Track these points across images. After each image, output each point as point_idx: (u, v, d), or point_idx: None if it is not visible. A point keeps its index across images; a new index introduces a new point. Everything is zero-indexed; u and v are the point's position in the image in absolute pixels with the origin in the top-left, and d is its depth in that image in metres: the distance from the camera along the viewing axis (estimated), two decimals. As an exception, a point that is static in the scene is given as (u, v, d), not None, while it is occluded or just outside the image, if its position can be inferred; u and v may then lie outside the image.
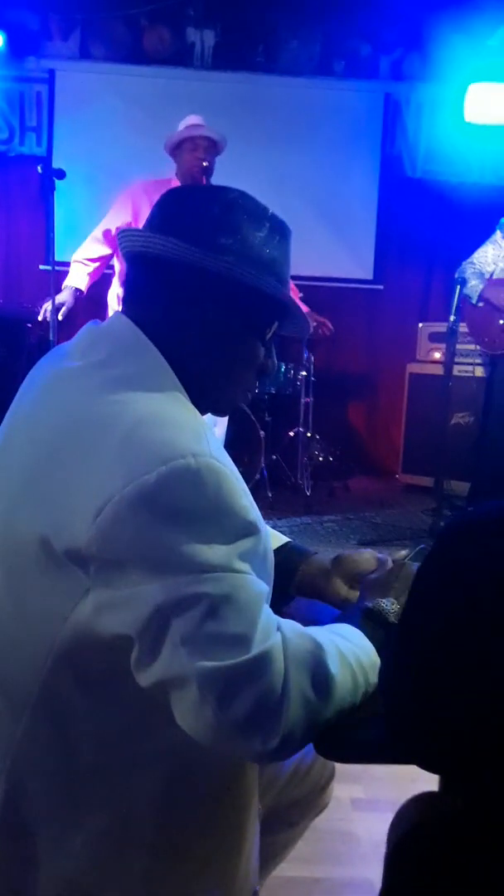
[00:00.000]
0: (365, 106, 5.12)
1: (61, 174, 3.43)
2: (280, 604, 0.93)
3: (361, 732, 0.90)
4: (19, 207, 5.16)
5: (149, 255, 0.98)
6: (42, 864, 0.91)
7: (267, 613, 0.86)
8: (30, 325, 4.12)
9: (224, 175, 3.56)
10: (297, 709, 0.84)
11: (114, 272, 3.64)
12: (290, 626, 0.90)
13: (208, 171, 3.41)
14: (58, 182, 3.42)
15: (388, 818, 0.95)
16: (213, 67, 5.05)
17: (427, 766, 0.75)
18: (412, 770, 0.89)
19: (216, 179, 3.49)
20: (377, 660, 0.94)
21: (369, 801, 1.99)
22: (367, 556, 1.16)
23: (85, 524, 0.82)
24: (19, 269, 5.17)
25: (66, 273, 3.68)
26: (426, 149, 5.16)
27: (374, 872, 1.77)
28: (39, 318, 3.66)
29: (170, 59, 5.01)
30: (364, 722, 0.90)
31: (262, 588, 0.87)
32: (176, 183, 3.52)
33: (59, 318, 3.54)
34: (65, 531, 0.84)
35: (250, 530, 0.88)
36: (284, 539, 1.24)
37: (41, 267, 4.85)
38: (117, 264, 3.58)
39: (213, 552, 0.83)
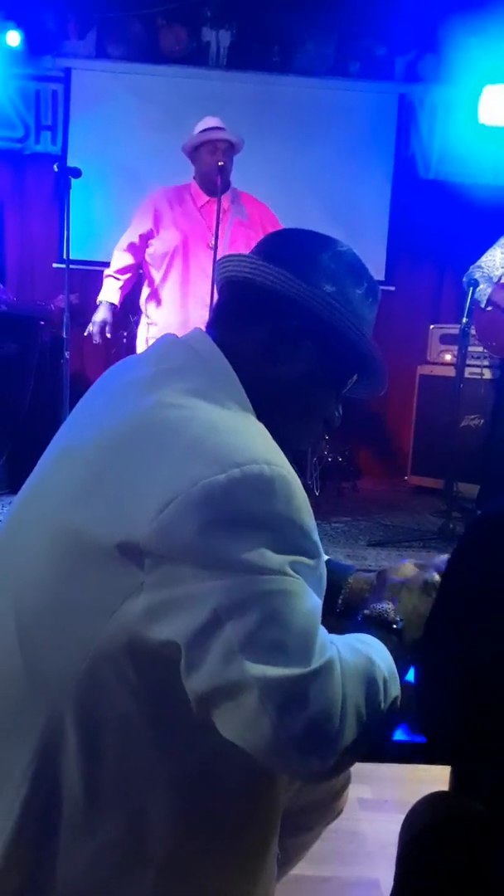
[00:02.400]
0: (379, 107, 5.11)
1: (77, 173, 3.45)
2: (328, 620, 0.92)
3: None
4: (34, 205, 5.18)
5: (254, 283, 0.98)
6: (54, 870, 0.89)
7: (322, 628, 0.85)
8: (43, 322, 4.14)
9: (238, 174, 3.58)
10: (352, 726, 0.81)
11: (145, 276, 3.71)
12: (341, 640, 0.89)
13: (225, 172, 3.43)
14: (73, 180, 3.44)
15: (395, 818, 0.96)
16: (229, 67, 5.05)
17: (452, 761, 0.74)
18: (419, 770, 0.90)
19: (232, 177, 3.51)
20: (395, 668, 0.93)
21: (376, 801, 1.99)
22: (410, 566, 1.14)
23: (147, 519, 0.81)
24: (33, 267, 5.19)
25: (79, 272, 3.72)
26: (440, 150, 5.15)
27: (381, 872, 1.79)
28: (85, 332, 3.69)
29: (185, 59, 5.02)
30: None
31: (317, 601, 0.86)
32: (195, 188, 3.58)
33: (108, 335, 3.64)
34: (123, 524, 0.83)
35: (312, 551, 0.87)
36: (325, 556, 1.25)
37: (55, 265, 4.87)
38: (145, 271, 3.66)
39: (274, 558, 0.81)
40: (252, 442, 0.86)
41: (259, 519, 0.82)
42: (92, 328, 3.63)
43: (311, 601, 0.84)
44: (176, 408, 0.89)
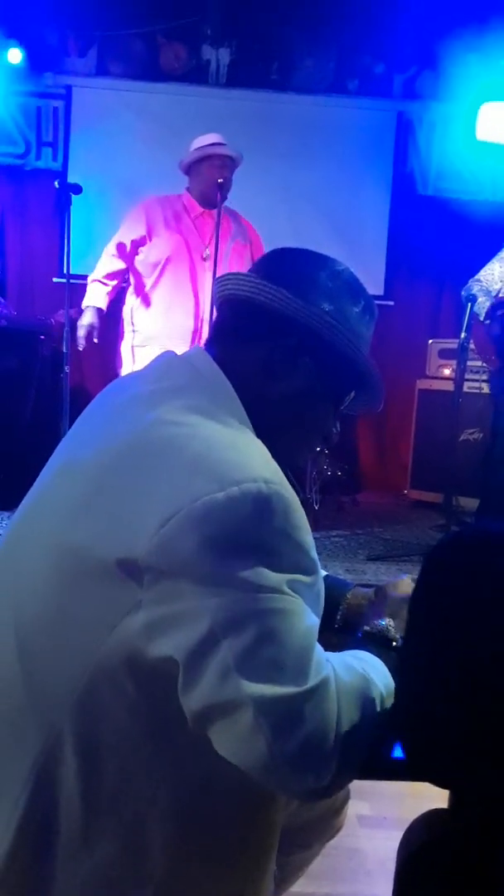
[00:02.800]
0: (378, 124, 5.16)
1: (78, 189, 3.47)
2: (326, 636, 0.92)
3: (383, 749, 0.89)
4: (34, 220, 5.22)
5: (254, 301, 1.00)
6: (51, 886, 0.88)
7: (318, 646, 0.85)
8: (43, 336, 4.16)
9: (238, 191, 3.60)
10: (348, 745, 0.82)
11: (129, 285, 3.65)
12: (337, 658, 0.89)
13: (226, 188, 3.44)
14: (73, 196, 3.46)
15: (394, 835, 0.95)
16: (228, 85, 5.10)
17: (442, 783, 0.75)
18: (418, 787, 0.89)
19: (231, 194, 3.53)
20: (392, 685, 0.93)
21: (375, 818, 1.98)
22: (408, 582, 1.14)
23: (146, 535, 0.82)
24: (33, 282, 5.22)
25: (80, 286, 3.71)
26: (438, 166, 5.20)
27: (380, 889, 1.77)
28: (80, 347, 3.61)
29: (185, 77, 5.07)
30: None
31: (315, 619, 0.86)
32: (189, 199, 3.55)
33: (95, 340, 3.56)
34: (123, 540, 0.83)
35: (310, 568, 0.87)
36: (323, 572, 1.25)
37: (55, 280, 4.90)
38: (133, 278, 3.59)
39: (271, 577, 0.82)
40: (251, 460, 0.87)
41: (257, 537, 0.83)
42: (79, 332, 3.52)
43: (308, 620, 0.84)
44: (176, 425, 0.89)
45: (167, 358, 1.03)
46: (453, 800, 0.95)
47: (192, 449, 0.86)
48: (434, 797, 0.98)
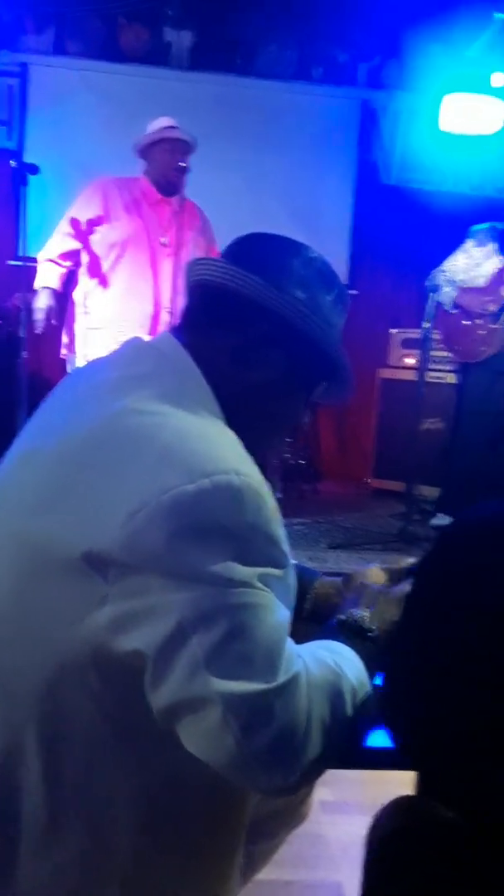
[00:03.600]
0: (342, 112, 5.14)
1: (34, 169, 3.39)
2: (295, 625, 0.91)
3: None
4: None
5: (226, 288, 0.97)
6: (14, 884, 0.87)
7: (289, 640, 0.84)
8: (-1, 320, 4.07)
9: (200, 176, 3.55)
10: (317, 741, 0.81)
11: (88, 264, 3.47)
12: (308, 652, 0.88)
13: (181, 172, 3.38)
14: (29, 177, 3.37)
15: (356, 821, 0.95)
16: (190, 68, 5.03)
17: (428, 771, 0.74)
18: (381, 773, 0.88)
19: (191, 179, 3.47)
20: (366, 677, 0.92)
21: (338, 804, 1.99)
22: (376, 571, 1.15)
23: (114, 528, 0.79)
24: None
25: (36, 269, 3.52)
26: (402, 156, 5.21)
27: (343, 875, 1.78)
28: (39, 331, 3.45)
29: (146, 58, 4.98)
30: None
31: (286, 614, 0.85)
32: (146, 182, 3.46)
33: (54, 322, 3.41)
34: (88, 534, 0.81)
35: (281, 561, 0.86)
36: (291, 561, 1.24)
37: (10, 262, 4.78)
38: (87, 258, 3.43)
39: (242, 570, 0.80)
40: (222, 450, 0.85)
41: (227, 530, 0.81)
42: (37, 315, 3.36)
43: (278, 614, 0.83)
44: (145, 414, 0.87)
45: (135, 344, 1.01)
46: (420, 786, 0.94)
47: (161, 440, 0.84)
48: (396, 782, 0.98)
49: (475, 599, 0.69)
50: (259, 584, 0.82)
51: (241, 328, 0.98)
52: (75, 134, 4.84)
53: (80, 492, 0.84)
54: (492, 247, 3.94)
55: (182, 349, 0.96)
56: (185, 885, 0.93)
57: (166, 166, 3.39)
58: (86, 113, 4.86)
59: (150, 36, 4.97)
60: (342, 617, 1.02)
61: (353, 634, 0.98)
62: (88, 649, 0.82)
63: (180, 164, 3.36)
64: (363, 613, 1.01)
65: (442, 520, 3.97)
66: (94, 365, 1.04)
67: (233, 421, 0.94)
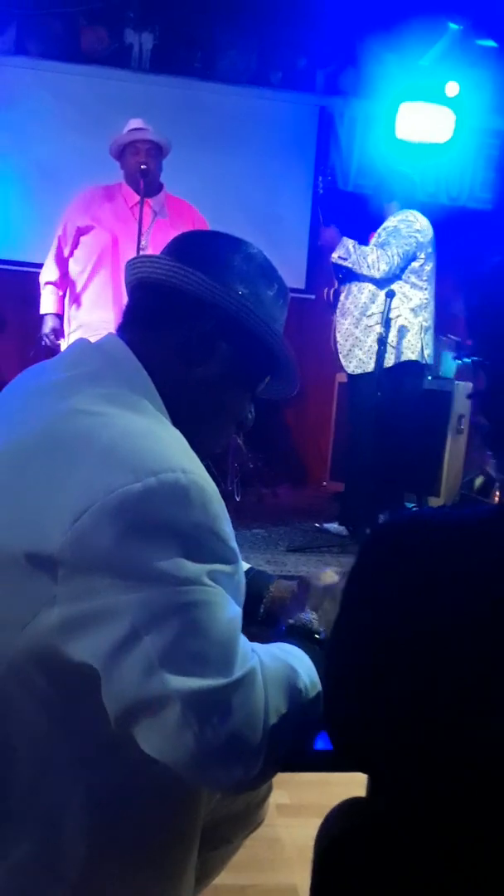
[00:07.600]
0: (300, 118, 5.18)
1: (-7, 170, 3.36)
2: (250, 628, 0.92)
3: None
4: None
5: (169, 284, 0.97)
6: None
7: (242, 636, 0.85)
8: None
9: (161, 178, 3.55)
10: (275, 735, 0.81)
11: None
12: (262, 649, 0.89)
13: (148, 174, 3.39)
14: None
15: (313, 823, 0.96)
16: (151, 70, 5.02)
17: (363, 768, 0.75)
18: (337, 776, 0.90)
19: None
20: (317, 677, 0.93)
21: (294, 807, 2.00)
22: (330, 574, 1.14)
23: (60, 529, 0.79)
24: None
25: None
26: (358, 163, 5.26)
27: (299, 878, 1.79)
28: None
29: (107, 60, 4.95)
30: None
31: (237, 610, 0.85)
32: (126, 188, 3.52)
33: (59, 342, 3.60)
34: (34, 535, 0.80)
35: (230, 558, 0.86)
36: (246, 565, 1.24)
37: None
38: (74, 267, 3.59)
39: (191, 567, 0.80)
40: (168, 448, 0.85)
41: (175, 527, 0.81)
42: (47, 342, 3.63)
43: (230, 610, 0.83)
44: (91, 415, 0.86)
45: (80, 345, 1.00)
46: (371, 788, 0.96)
47: (106, 439, 0.83)
48: (352, 785, 0.99)
49: (400, 598, 0.71)
50: (209, 581, 0.81)
51: (185, 324, 0.98)
52: (37, 135, 4.80)
53: (25, 491, 0.84)
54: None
55: (126, 348, 0.96)
56: (139, 891, 0.93)
57: (133, 168, 3.43)
58: (47, 114, 4.82)
59: (111, 38, 4.95)
60: (291, 621, 1.03)
61: (301, 637, 1.00)
62: (37, 651, 0.81)
63: (142, 166, 3.36)
64: (311, 616, 1.03)
65: (332, 525, 4.02)
66: (40, 367, 1.04)
67: (178, 418, 0.94)
